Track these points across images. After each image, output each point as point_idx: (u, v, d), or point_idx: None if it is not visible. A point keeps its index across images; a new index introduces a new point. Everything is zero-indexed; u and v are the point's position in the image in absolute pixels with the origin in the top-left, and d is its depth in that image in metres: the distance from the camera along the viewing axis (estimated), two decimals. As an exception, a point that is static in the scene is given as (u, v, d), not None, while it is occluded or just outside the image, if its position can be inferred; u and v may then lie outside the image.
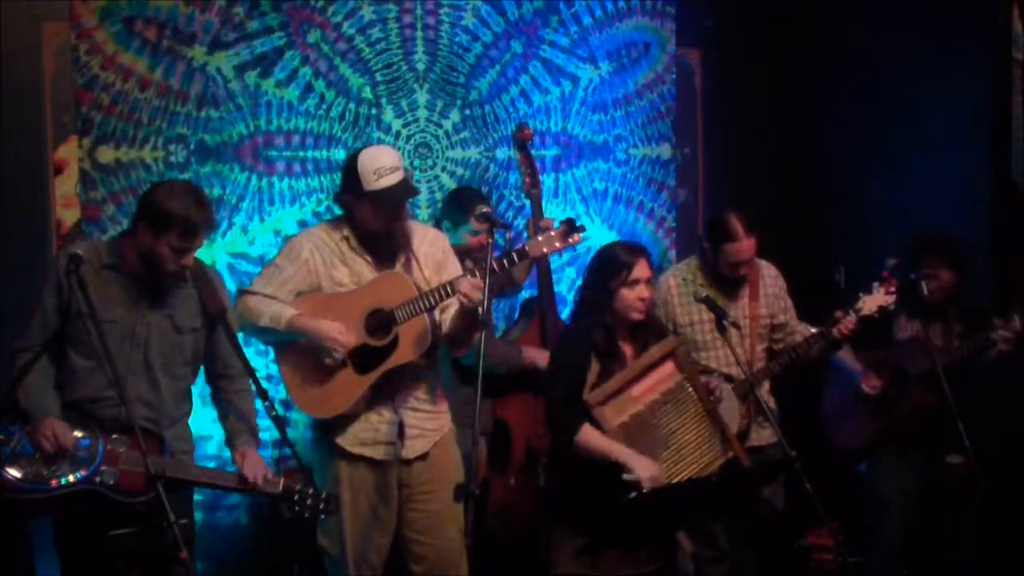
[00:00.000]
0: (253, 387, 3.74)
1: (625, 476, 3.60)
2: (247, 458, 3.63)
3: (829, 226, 5.76)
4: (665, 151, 5.71)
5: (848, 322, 4.30)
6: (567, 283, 5.54)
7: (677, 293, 4.48)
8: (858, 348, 4.62)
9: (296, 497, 3.60)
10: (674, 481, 3.71)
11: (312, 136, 5.16)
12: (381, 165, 3.77)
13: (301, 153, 5.17)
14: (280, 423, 3.70)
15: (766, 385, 4.53)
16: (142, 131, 4.96)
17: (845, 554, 3.95)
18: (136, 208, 3.57)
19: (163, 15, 4.94)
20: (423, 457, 3.91)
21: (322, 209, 5.12)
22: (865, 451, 4.68)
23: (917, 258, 4.50)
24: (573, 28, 5.50)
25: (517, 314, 5.09)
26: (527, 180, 4.82)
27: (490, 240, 3.63)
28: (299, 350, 3.84)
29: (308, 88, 5.14)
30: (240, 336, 3.80)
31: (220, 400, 3.77)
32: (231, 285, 4.68)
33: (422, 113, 5.31)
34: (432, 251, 3.96)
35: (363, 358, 3.79)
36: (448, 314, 3.86)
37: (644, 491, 3.56)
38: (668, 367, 3.81)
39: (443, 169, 5.35)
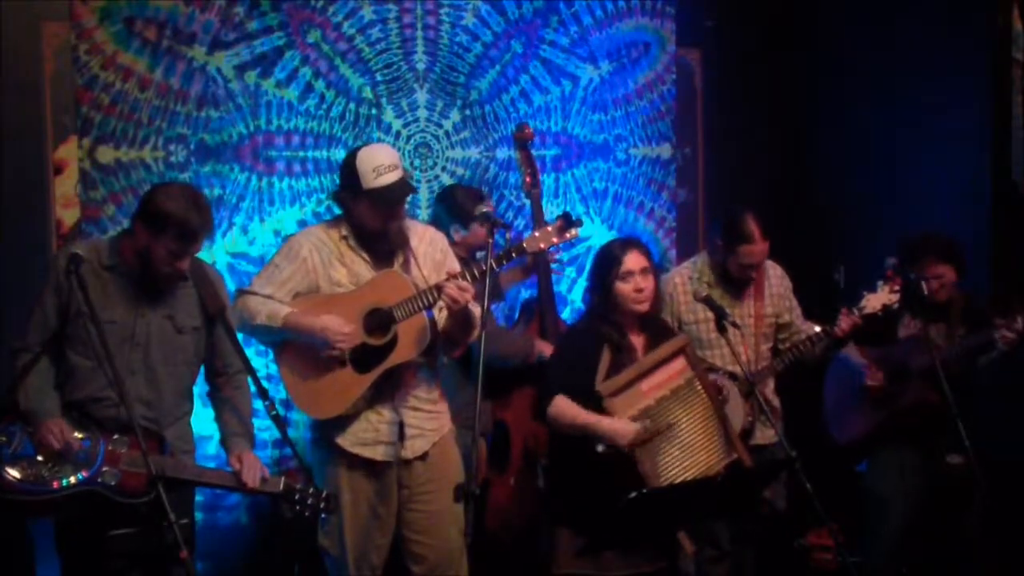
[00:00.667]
0: (253, 387, 3.74)
1: (598, 448, 3.64)
2: (244, 461, 3.62)
3: (829, 226, 5.76)
4: (665, 151, 5.71)
5: (848, 320, 4.31)
6: (567, 283, 5.54)
7: (683, 291, 4.48)
8: (861, 345, 4.63)
9: (297, 496, 3.60)
10: (679, 481, 3.72)
11: (312, 136, 5.16)
12: (380, 163, 3.77)
13: (301, 153, 5.17)
14: (280, 423, 3.70)
15: (771, 384, 4.53)
16: (142, 131, 4.96)
17: (845, 554, 3.95)
18: (136, 208, 3.56)
19: (163, 15, 4.94)
20: (423, 457, 3.91)
21: (322, 209, 5.12)
22: (865, 446, 4.68)
23: (917, 259, 4.50)
24: (573, 28, 5.50)
25: (517, 314, 5.10)
26: (527, 180, 4.83)
27: (490, 240, 3.62)
28: (298, 350, 3.84)
29: (308, 88, 5.14)
30: (240, 336, 3.80)
31: (218, 398, 3.77)
32: (231, 285, 4.68)
33: (422, 113, 5.31)
34: (431, 250, 3.96)
35: (362, 357, 3.79)
36: (445, 314, 3.86)
37: (624, 451, 3.61)
38: (679, 363, 3.85)
39: (443, 169, 5.35)
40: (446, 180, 5.28)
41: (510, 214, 5.42)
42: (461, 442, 4.07)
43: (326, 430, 3.88)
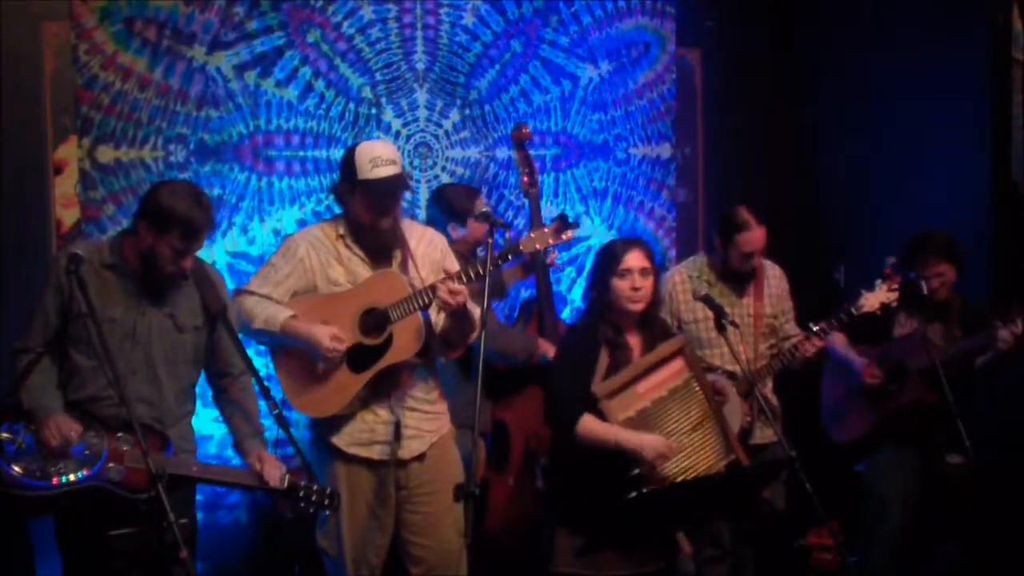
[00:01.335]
0: (256, 386, 3.74)
1: (633, 472, 3.60)
2: (265, 461, 3.62)
3: (829, 226, 5.76)
4: (665, 151, 5.71)
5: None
6: (567, 283, 5.54)
7: (682, 290, 4.49)
8: (857, 344, 4.63)
9: (300, 493, 3.60)
10: (677, 481, 3.71)
11: (312, 136, 5.17)
12: (377, 155, 3.78)
13: (301, 153, 5.17)
14: (283, 422, 3.70)
15: (770, 384, 4.53)
16: (142, 131, 4.97)
17: (845, 554, 3.95)
18: (137, 208, 3.56)
19: (163, 15, 4.95)
20: (420, 458, 3.91)
21: (322, 209, 5.12)
22: (862, 445, 4.68)
23: (917, 258, 4.50)
24: (573, 28, 5.50)
25: (516, 314, 5.10)
26: (525, 179, 4.83)
27: (490, 240, 3.62)
28: (295, 350, 3.84)
29: (308, 88, 5.14)
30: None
31: (224, 401, 3.76)
32: (231, 285, 4.68)
33: (422, 113, 5.31)
34: (429, 251, 3.96)
35: (358, 357, 3.79)
36: (443, 315, 3.86)
37: (654, 464, 3.59)
38: (677, 364, 3.82)
39: (443, 169, 5.35)
40: (446, 180, 5.28)
41: (510, 214, 5.42)
42: (461, 442, 4.07)
43: (323, 430, 3.88)
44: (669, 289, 4.47)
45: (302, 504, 3.60)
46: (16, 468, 3.39)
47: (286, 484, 3.60)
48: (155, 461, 3.32)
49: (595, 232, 5.57)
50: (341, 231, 3.88)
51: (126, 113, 4.95)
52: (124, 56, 4.93)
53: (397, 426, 3.85)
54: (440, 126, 5.34)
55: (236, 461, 3.82)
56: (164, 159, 4.99)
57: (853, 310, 4.30)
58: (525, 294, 5.23)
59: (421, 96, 5.30)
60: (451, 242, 4.47)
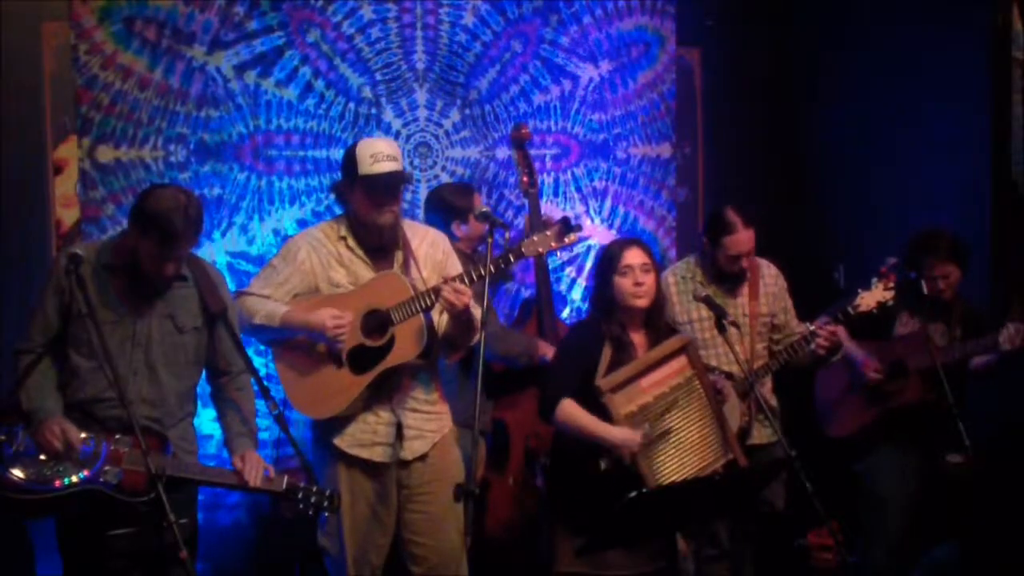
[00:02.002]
0: (255, 386, 3.74)
1: (601, 464, 3.66)
2: (247, 460, 3.62)
3: (829, 226, 5.76)
4: (665, 150, 5.71)
5: (826, 338, 4.31)
6: (567, 283, 5.54)
7: (676, 291, 4.49)
8: (857, 341, 4.62)
9: (300, 495, 3.60)
10: (675, 480, 3.72)
11: (312, 135, 5.17)
12: (378, 151, 3.78)
13: (301, 153, 5.17)
14: (283, 422, 3.70)
15: (768, 384, 4.53)
16: (142, 131, 4.97)
17: (845, 553, 3.95)
18: (129, 209, 3.57)
19: (163, 15, 4.95)
20: (422, 458, 3.90)
21: (322, 209, 5.12)
22: (859, 440, 4.67)
23: (922, 258, 4.48)
24: (573, 27, 5.50)
25: (516, 314, 5.10)
26: (525, 179, 4.83)
27: (490, 240, 3.62)
28: (297, 350, 3.84)
29: (308, 87, 5.14)
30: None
31: (220, 399, 3.76)
32: (231, 285, 4.68)
33: (422, 112, 5.31)
34: (432, 252, 3.96)
35: (360, 358, 3.79)
36: (446, 317, 3.86)
37: (627, 465, 3.62)
38: (680, 361, 3.85)
39: (443, 168, 5.35)
40: (446, 180, 5.28)
41: (510, 214, 5.42)
42: (462, 442, 4.07)
43: (324, 431, 3.88)
44: (663, 290, 4.47)
45: (301, 506, 3.60)
46: (16, 472, 3.38)
47: (284, 485, 3.60)
48: (154, 463, 3.33)
49: (595, 232, 5.57)
50: (342, 232, 3.87)
51: (126, 113, 4.95)
52: (124, 56, 4.93)
53: (399, 427, 3.85)
54: (440, 126, 5.34)
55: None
56: (164, 159, 4.99)
57: (849, 309, 4.29)
58: (525, 294, 5.24)
59: (421, 96, 5.30)
60: (455, 241, 4.48)
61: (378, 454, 3.85)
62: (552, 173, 5.50)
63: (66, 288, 3.45)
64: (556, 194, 5.51)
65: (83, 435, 3.44)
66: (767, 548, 4.72)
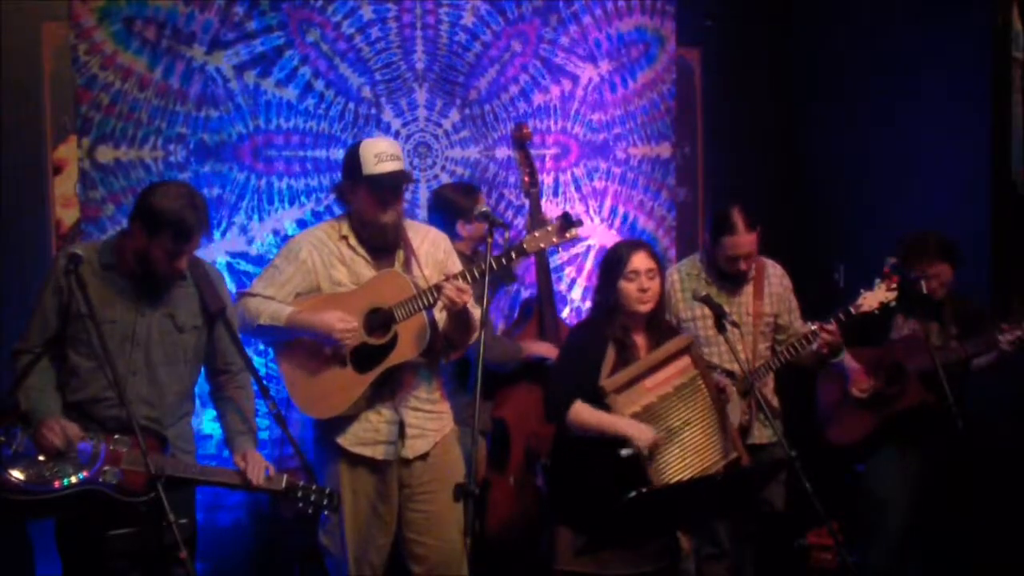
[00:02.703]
0: (254, 385, 3.74)
1: (622, 452, 3.64)
2: (249, 459, 3.62)
3: (829, 226, 5.76)
4: (665, 150, 5.71)
5: (827, 336, 4.30)
6: (567, 282, 5.54)
7: (679, 288, 4.49)
8: (855, 347, 4.62)
9: (299, 494, 3.60)
10: (678, 479, 3.72)
11: (311, 135, 5.17)
12: (382, 151, 3.79)
13: (300, 152, 5.17)
14: (282, 421, 3.70)
15: (770, 383, 4.53)
16: (141, 131, 4.97)
17: (845, 554, 3.94)
18: (132, 208, 3.56)
19: (162, 15, 4.95)
20: (423, 457, 3.91)
21: (322, 209, 5.12)
22: (861, 447, 4.67)
23: (913, 260, 4.49)
24: (573, 27, 5.49)
25: (517, 313, 5.10)
26: (526, 179, 4.84)
27: (490, 239, 3.62)
28: (299, 350, 3.84)
29: (307, 88, 5.14)
30: (241, 336, 3.79)
31: (220, 398, 3.77)
32: (231, 285, 4.68)
33: (421, 112, 5.31)
34: (433, 250, 3.96)
35: (362, 357, 3.79)
36: (444, 315, 3.86)
37: (645, 456, 3.61)
38: (684, 361, 3.86)
39: (443, 168, 5.35)
40: (446, 180, 5.28)
41: (510, 214, 5.42)
42: (462, 441, 4.07)
43: (326, 430, 3.88)
44: (667, 288, 4.47)
45: (300, 504, 3.60)
46: (15, 473, 3.38)
47: (284, 484, 3.60)
48: (153, 462, 3.32)
49: (595, 232, 5.57)
50: (344, 231, 3.88)
51: (126, 113, 4.95)
52: (124, 56, 4.93)
53: (401, 426, 3.85)
54: (440, 126, 5.34)
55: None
56: (164, 159, 4.99)
57: (852, 309, 4.30)
58: (525, 294, 5.24)
59: (421, 96, 5.30)
60: (459, 240, 4.49)
61: (380, 452, 3.85)
62: (552, 173, 5.50)
63: (65, 288, 3.45)
64: (556, 194, 5.51)
65: (82, 433, 3.44)
66: (767, 548, 4.72)
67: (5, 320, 4.47)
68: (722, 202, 4.53)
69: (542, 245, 3.81)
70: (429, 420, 3.93)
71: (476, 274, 3.71)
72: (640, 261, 3.84)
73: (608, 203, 5.62)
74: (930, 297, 4.44)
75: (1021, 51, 5.17)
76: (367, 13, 5.20)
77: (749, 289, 4.51)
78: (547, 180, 5.45)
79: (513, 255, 3.79)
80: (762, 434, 4.45)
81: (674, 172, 5.73)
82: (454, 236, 4.50)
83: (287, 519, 4.82)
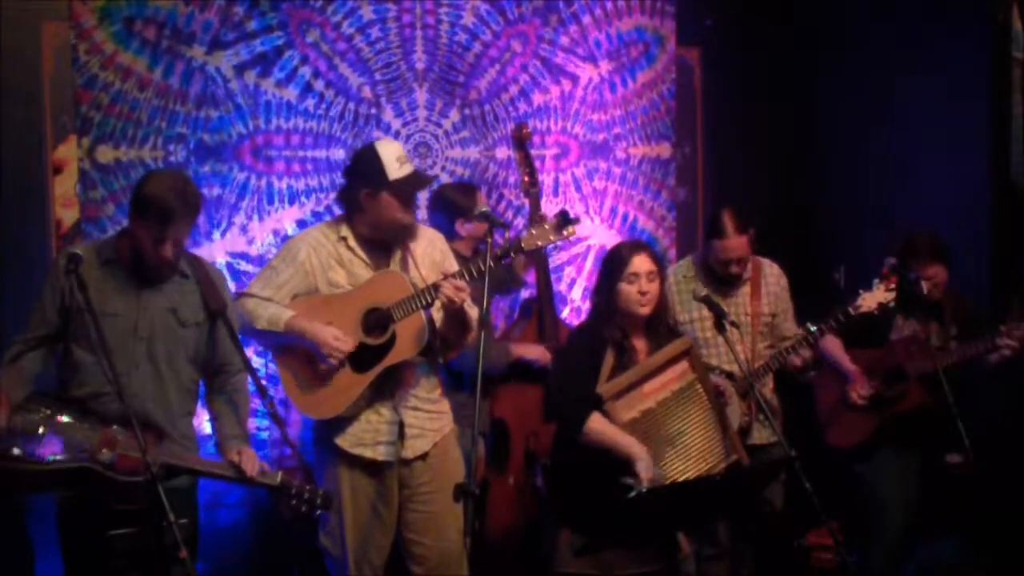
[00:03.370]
0: (252, 386, 3.74)
1: (626, 480, 3.61)
2: (243, 455, 3.62)
3: (829, 226, 5.76)
4: (665, 150, 5.71)
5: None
6: (567, 282, 5.54)
7: (676, 290, 4.49)
8: (854, 349, 4.62)
9: (293, 491, 3.59)
10: (678, 481, 3.71)
11: (311, 135, 5.17)
12: (400, 154, 3.81)
13: (301, 153, 5.17)
14: (278, 418, 3.69)
15: (769, 383, 4.53)
16: (141, 131, 4.97)
17: (845, 554, 3.95)
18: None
19: (162, 15, 4.95)
20: (423, 457, 3.91)
21: (322, 209, 5.12)
22: (862, 449, 4.67)
23: (913, 259, 4.49)
24: (572, 27, 5.49)
25: (516, 314, 5.10)
26: (526, 179, 4.83)
27: (489, 239, 3.62)
28: (297, 352, 3.84)
29: (307, 87, 5.14)
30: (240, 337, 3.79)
31: (215, 399, 3.75)
32: (231, 285, 4.68)
33: (421, 112, 5.31)
34: (429, 250, 3.96)
35: (361, 357, 3.79)
36: (441, 314, 3.86)
37: (642, 491, 3.57)
38: (682, 366, 3.83)
39: (442, 168, 5.35)
40: (446, 180, 5.27)
41: (510, 214, 5.42)
42: (461, 441, 4.07)
43: (326, 431, 3.88)
44: (664, 289, 4.47)
45: (294, 502, 3.59)
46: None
47: (279, 480, 3.59)
48: (150, 452, 3.31)
49: (595, 232, 5.57)
50: (343, 232, 3.87)
51: (126, 113, 4.95)
52: (124, 56, 4.93)
53: (401, 426, 3.85)
54: (440, 126, 5.34)
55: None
56: (164, 159, 4.99)
57: (851, 310, 4.30)
58: (525, 294, 5.23)
59: (421, 96, 5.30)
60: (460, 239, 4.50)
61: (380, 453, 3.85)
62: (552, 173, 5.50)
63: (65, 288, 3.45)
64: (556, 194, 5.51)
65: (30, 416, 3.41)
66: (767, 548, 4.72)
67: (5, 320, 4.47)
68: (722, 202, 4.53)
69: (539, 243, 3.80)
70: (429, 420, 3.93)
71: (474, 272, 3.71)
72: (641, 263, 3.81)
73: (608, 203, 5.62)
74: (927, 298, 4.43)
75: (1021, 51, 5.18)
76: (367, 13, 5.20)
77: (747, 289, 4.52)
78: (547, 180, 5.45)
79: (511, 253, 3.78)
80: (762, 434, 4.45)
81: (674, 172, 5.73)
82: (454, 235, 4.51)
83: (287, 519, 4.82)
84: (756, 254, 4.57)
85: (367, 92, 5.22)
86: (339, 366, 3.77)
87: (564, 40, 5.48)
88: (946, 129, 5.26)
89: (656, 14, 5.62)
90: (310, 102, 5.15)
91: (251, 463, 3.59)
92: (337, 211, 4.01)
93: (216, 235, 5.04)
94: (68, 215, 4.92)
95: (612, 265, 3.85)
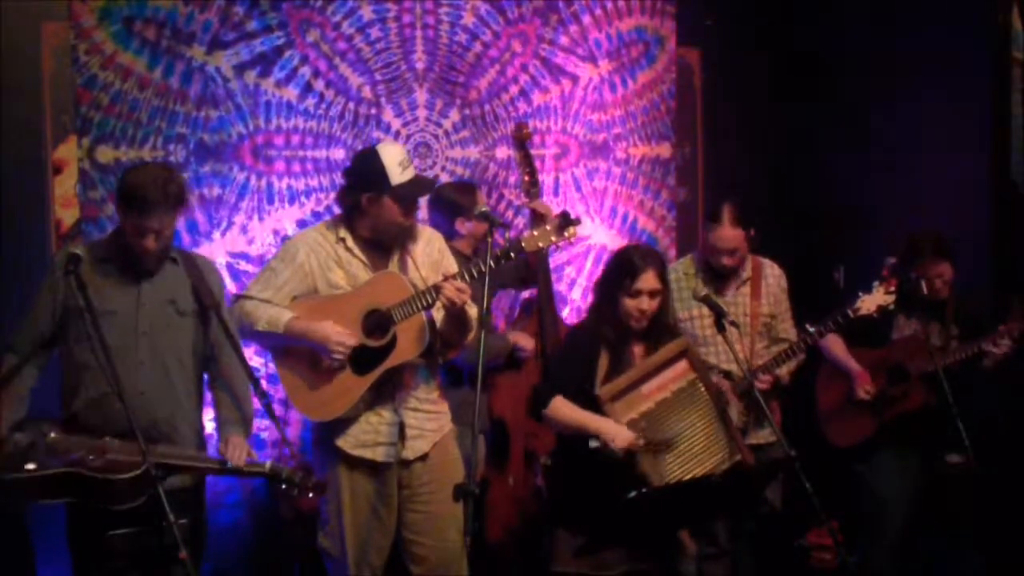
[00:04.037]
0: (252, 387, 3.73)
1: (591, 444, 3.62)
2: (230, 443, 3.63)
3: (829, 226, 5.76)
4: (665, 150, 5.71)
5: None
6: (567, 282, 5.54)
7: (676, 288, 4.48)
8: (855, 348, 4.62)
9: (284, 475, 3.58)
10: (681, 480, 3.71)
11: (311, 135, 5.17)
12: (403, 158, 3.81)
13: (301, 152, 5.17)
14: (274, 416, 3.68)
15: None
16: (141, 131, 4.97)
17: (845, 554, 3.94)
18: None
19: (162, 15, 4.95)
20: (423, 458, 3.90)
21: (322, 209, 5.12)
22: (862, 449, 4.67)
23: (915, 260, 4.49)
24: (573, 27, 5.50)
25: (517, 313, 5.10)
26: (526, 179, 4.83)
27: (490, 239, 3.62)
28: (297, 353, 3.83)
29: (307, 87, 5.14)
30: (240, 339, 3.79)
31: (213, 384, 3.76)
32: (231, 285, 4.68)
33: (421, 112, 5.31)
34: (428, 250, 3.96)
35: (361, 359, 3.78)
36: (441, 314, 3.86)
37: (618, 455, 3.59)
38: (681, 366, 3.81)
39: (443, 169, 5.35)
40: (446, 179, 5.27)
41: (510, 214, 5.42)
42: (461, 441, 4.07)
43: (326, 432, 3.88)
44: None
45: (285, 486, 3.58)
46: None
47: (268, 468, 3.59)
48: (143, 451, 3.30)
49: (595, 232, 5.57)
50: (341, 233, 3.87)
51: (126, 113, 4.95)
52: (123, 56, 4.92)
53: (401, 427, 3.85)
54: (440, 126, 5.34)
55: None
56: (164, 159, 4.98)
57: (849, 312, 4.29)
58: (525, 293, 5.23)
59: (421, 96, 5.30)
60: (460, 237, 4.50)
61: (380, 454, 3.84)
62: (552, 173, 5.50)
63: (62, 288, 3.46)
64: (556, 194, 5.51)
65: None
66: (767, 548, 4.72)
67: (5, 320, 4.47)
68: (722, 202, 4.52)
69: (540, 244, 3.79)
70: (428, 420, 3.93)
71: (475, 273, 3.71)
72: (647, 281, 3.76)
73: (608, 203, 5.62)
74: (930, 298, 4.43)
75: (1021, 51, 5.18)
76: (367, 13, 5.20)
77: (746, 289, 4.52)
78: (547, 180, 5.45)
79: (512, 254, 3.78)
80: (761, 434, 4.45)
81: (674, 172, 5.74)
82: (454, 234, 4.51)
83: (287, 519, 4.82)
84: (756, 254, 4.57)
85: (367, 92, 5.22)
86: (343, 362, 3.76)
87: (564, 40, 5.49)
88: (946, 129, 5.26)
89: (656, 14, 5.63)
90: (310, 102, 5.15)
91: (237, 452, 3.60)
92: (337, 211, 4.01)
93: (216, 235, 5.04)
94: (68, 215, 4.92)
95: (620, 272, 3.81)
